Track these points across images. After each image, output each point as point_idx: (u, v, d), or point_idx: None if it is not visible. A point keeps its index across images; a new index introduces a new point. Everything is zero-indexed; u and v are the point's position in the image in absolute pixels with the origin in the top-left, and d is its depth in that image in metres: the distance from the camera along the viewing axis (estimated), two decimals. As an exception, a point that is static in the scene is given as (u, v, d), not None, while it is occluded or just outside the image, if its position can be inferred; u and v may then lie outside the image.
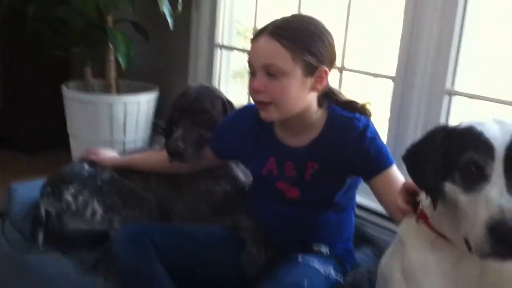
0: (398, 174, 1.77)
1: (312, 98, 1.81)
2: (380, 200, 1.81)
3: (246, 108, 2.05)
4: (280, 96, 1.74)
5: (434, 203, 1.27)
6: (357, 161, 1.80)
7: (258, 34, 1.77)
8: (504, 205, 1.09)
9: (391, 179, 1.75)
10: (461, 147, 1.20)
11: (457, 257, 1.29)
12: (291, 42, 1.71)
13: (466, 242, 1.18)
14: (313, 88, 1.77)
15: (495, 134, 1.17)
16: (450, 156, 1.22)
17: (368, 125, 1.82)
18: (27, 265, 1.99)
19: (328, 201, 1.90)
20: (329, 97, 1.90)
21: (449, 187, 1.22)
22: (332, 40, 1.79)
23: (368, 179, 1.81)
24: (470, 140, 1.19)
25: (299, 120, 1.84)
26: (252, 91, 1.79)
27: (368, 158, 1.78)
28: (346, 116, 1.85)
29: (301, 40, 1.72)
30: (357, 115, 1.85)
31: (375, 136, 1.82)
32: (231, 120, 2.09)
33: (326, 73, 1.77)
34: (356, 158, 1.79)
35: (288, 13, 1.83)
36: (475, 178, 1.16)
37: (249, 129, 1.99)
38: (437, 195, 1.26)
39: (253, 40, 1.79)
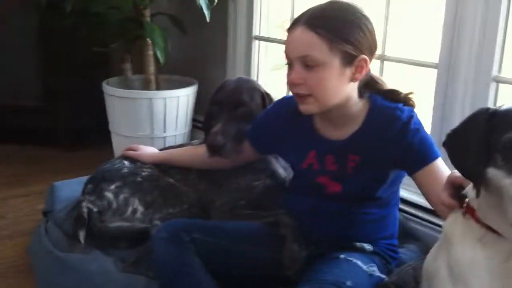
0: (444, 168, 1.70)
1: (352, 88, 1.75)
2: (426, 194, 1.75)
3: (284, 100, 2.01)
4: (318, 87, 1.70)
5: (477, 190, 1.23)
6: (400, 154, 1.74)
7: (294, 25, 1.73)
8: None
9: (436, 173, 1.69)
10: (502, 128, 1.17)
11: (507, 254, 1.24)
12: (327, 31, 1.66)
13: None
14: (352, 78, 1.72)
15: None
16: (492, 139, 1.19)
17: (412, 116, 1.76)
18: (69, 263, 2.01)
19: (371, 195, 1.85)
20: (370, 86, 1.84)
21: (492, 173, 1.19)
22: (372, 27, 1.73)
23: (412, 172, 1.76)
24: (510, 120, 1.17)
25: (339, 111, 1.79)
26: (290, 84, 1.75)
27: (411, 151, 1.73)
28: (388, 107, 1.79)
29: (338, 29, 1.67)
30: (400, 105, 1.80)
31: (420, 127, 1.76)
32: (269, 113, 2.06)
33: (366, 62, 1.71)
34: (399, 151, 1.74)
35: (324, 0, 1.78)
36: None
37: (288, 122, 1.95)
38: (480, 181, 1.22)
39: (289, 31, 1.74)
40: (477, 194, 1.23)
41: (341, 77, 1.70)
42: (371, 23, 1.73)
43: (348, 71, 1.70)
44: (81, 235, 2.09)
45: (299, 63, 1.70)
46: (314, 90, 1.71)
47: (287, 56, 1.74)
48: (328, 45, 1.66)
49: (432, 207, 1.74)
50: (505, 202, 1.16)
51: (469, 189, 1.32)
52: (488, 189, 1.23)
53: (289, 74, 1.74)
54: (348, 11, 1.70)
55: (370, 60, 1.74)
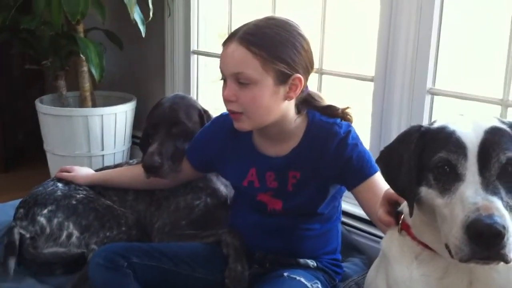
0: (383, 183, 1.70)
1: (287, 106, 1.74)
2: (365, 209, 1.75)
3: (221, 117, 1.98)
4: (250, 105, 1.68)
5: (410, 209, 1.23)
6: (339, 169, 1.74)
7: (228, 40, 1.70)
8: (480, 202, 1.06)
9: (375, 188, 1.69)
10: (434, 148, 1.17)
11: (444, 270, 1.25)
12: (261, 49, 1.64)
13: (447, 247, 1.13)
14: (287, 97, 1.70)
15: (467, 132, 1.14)
16: (424, 158, 1.19)
17: (349, 131, 1.77)
18: (0, 294, 1.91)
19: (312, 212, 1.84)
20: (308, 103, 1.83)
21: (425, 191, 1.18)
22: (308, 46, 1.72)
23: (351, 187, 1.76)
24: (442, 139, 1.17)
25: (276, 129, 1.77)
26: (224, 100, 1.72)
27: (350, 166, 1.73)
28: (326, 122, 1.79)
29: (271, 47, 1.65)
30: (338, 120, 1.80)
31: (357, 142, 1.76)
32: (207, 130, 2.02)
33: (301, 81, 1.69)
34: (338, 166, 1.74)
35: (262, 15, 1.76)
36: (449, 179, 1.13)
37: (226, 139, 1.92)
38: (413, 200, 1.22)
39: (223, 46, 1.72)
40: (410, 213, 1.23)
41: (274, 95, 1.68)
42: (307, 42, 1.71)
43: (282, 90, 1.68)
44: (10, 266, 1.99)
45: (232, 79, 1.68)
46: (246, 108, 1.68)
47: (222, 71, 1.72)
48: (261, 63, 1.64)
49: (372, 221, 1.74)
50: (438, 221, 1.16)
51: (405, 206, 1.32)
52: (421, 208, 1.23)
53: (223, 90, 1.72)
54: (283, 29, 1.68)
55: (306, 78, 1.73)
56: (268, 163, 1.83)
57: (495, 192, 1.08)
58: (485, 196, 1.07)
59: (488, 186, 1.09)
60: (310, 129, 1.79)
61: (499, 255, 1.05)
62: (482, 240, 1.03)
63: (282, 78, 1.66)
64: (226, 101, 1.71)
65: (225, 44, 1.70)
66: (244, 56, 1.64)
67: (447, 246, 1.13)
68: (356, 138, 1.77)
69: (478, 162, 1.11)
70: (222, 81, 1.74)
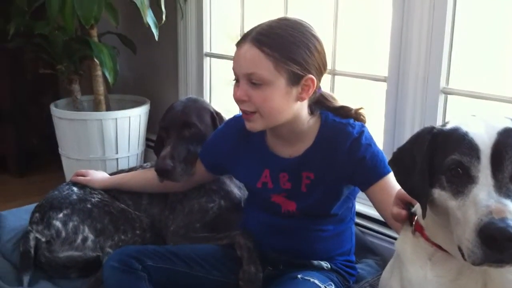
0: (393, 183, 1.69)
1: (300, 107, 1.74)
2: (379, 209, 1.74)
3: (234, 119, 1.98)
4: (263, 105, 1.68)
5: (423, 210, 1.22)
6: (352, 169, 1.74)
7: (241, 41, 1.71)
8: (492, 205, 1.05)
9: (388, 187, 1.68)
10: (447, 150, 1.16)
11: (457, 272, 1.23)
12: (273, 50, 1.64)
13: (460, 250, 1.12)
14: (299, 98, 1.70)
15: (480, 133, 1.13)
16: (436, 160, 1.18)
17: (362, 131, 1.76)
18: (17, 298, 1.92)
19: (326, 213, 1.84)
20: (321, 104, 1.83)
21: (438, 193, 1.17)
22: (321, 47, 1.71)
23: (365, 187, 1.75)
24: (455, 141, 1.15)
25: (289, 129, 1.77)
26: (236, 100, 1.73)
27: (363, 166, 1.72)
28: (339, 122, 1.79)
29: (284, 48, 1.64)
30: (351, 121, 1.79)
31: (371, 142, 1.76)
32: (220, 133, 2.03)
33: (313, 82, 1.69)
34: (351, 166, 1.73)
35: (275, 16, 1.76)
36: (462, 181, 1.12)
37: (239, 141, 1.92)
38: (426, 202, 1.21)
39: (237, 46, 1.72)
40: (423, 215, 1.22)
41: (286, 96, 1.68)
42: (320, 43, 1.71)
43: (294, 91, 1.68)
44: (26, 280, 2.00)
45: (245, 80, 1.68)
46: (259, 107, 1.69)
47: (234, 72, 1.72)
48: (274, 64, 1.64)
49: (386, 221, 1.74)
50: (451, 223, 1.15)
51: (418, 207, 1.31)
52: (434, 209, 1.22)
53: (235, 91, 1.72)
54: (297, 30, 1.68)
55: (319, 79, 1.73)
56: (282, 164, 1.83)
57: (508, 195, 1.07)
58: (498, 199, 1.06)
59: (501, 188, 1.08)
60: (323, 130, 1.79)
61: None
62: (495, 243, 1.02)
63: (295, 79, 1.66)
64: (238, 101, 1.71)
65: (239, 44, 1.71)
66: (257, 56, 1.64)
67: (460, 248, 1.12)
68: (370, 138, 1.76)
69: (491, 164, 1.10)
70: (234, 82, 1.74)
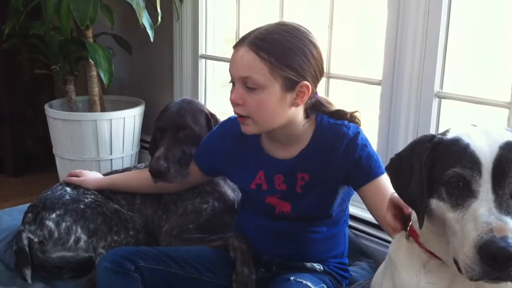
0: (389, 184, 1.69)
1: (295, 112, 1.74)
2: (371, 210, 1.75)
3: (229, 121, 1.99)
4: (256, 110, 1.68)
5: (420, 220, 1.20)
6: (348, 169, 1.74)
7: (239, 43, 1.71)
8: (493, 223, 1.04)
9: (382, 188, 1.68)
10: (447, 161, 1.14)
11: (451, 280, 1.23)
12: (269, 55, 1.64)
13: (456, 263, 1.11)
14: (293, 103, 1.70)
15: (482, 146, 1.11)
16: (436, 170, 1.16)
17: (358, 132, 1.77)
18: (9, 299, 1.92)
19: (321, 214, 1.84)
20: (317, 109, 1.83)
21: (436, 204, 1.16)
22: (318, 53, 1.71)
23: (358, 187, 1.76)
24: (456, 153, 1.13)
25: (284, 132, 1.78)
26: (231, 103, 1.73)
27: (359, 166, 1.73)
28: (334, 124, 1.79)
29: (281, 54, 1.65)
30: (346, 122, 1.80)
31: (366, 143, 1.76)
32: (215, 134, 2.03)
33: (308, 88, 1.69)
34: (348, 166, 1.74)
35: (270, 18, 1.76)
36: (462, 194, 1.11)
37: (234, 143, 1.93)
38: (423, 211, 1.19)
39: (234, 49, 1.72)
40: (420, 225, 1.20)
41: (281, 101, 1.68)
42: (317, 49, 1.71)
43: (289, 96, 1.68)
44: (27, 273, 1.99)
45: (240, 83, 1.68)
46: (252, 112, 1.69)
47: (231, 74, 1.72)
48: (269, 69, 1.64)
49: (377, 221, 1.75)
50: (447, 234, 1.14)
51: (414, 212, 1.30)
52: (430, 218, 1.20)
53: (231, 93, 1.72)
54: (294, 35, 1.68)
55: (315, 85, 1.73)
56: (277, 165, 1.83)
57: (509, 212, 1.06)
58: (499, 216, 1.05)
59: (502, 205, 1.06)
60: (318, 131, 1.79)
61: (510, 277, 1.03)
62: (495, 262, 1.01)
63: (290, 85, 1.66)
64: (233, 104, 1.71)
65: (236, 47, 1.71)
66: (253, 61, 1.65)
67: (455, 261, 1.11)
68: (365, 139, 1.77)
69: (492, 179, 1.08)
70: (230, 85, 1.75)
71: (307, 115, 1.79)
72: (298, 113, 1.75)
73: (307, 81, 1.68)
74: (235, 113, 1.76)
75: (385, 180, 1.70)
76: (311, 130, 1.80)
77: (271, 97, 1.66)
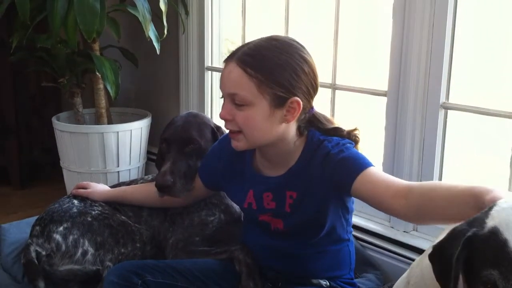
0: (378, 172, 1.62)
1: (285, 129, 1.70)
2: (369, 203, 1.62)
3: (227, 137, 1.92)
4: (245, 126, 1.66)
5: None
6: (330, 181, 1.67)
7: (228, 59, 1.68)
8: None
9: (372, 177, 1.59)
10: (484, 259, 1.05)
11: None
12: (257, 71, 1.61)
13: None
14: (284, 120, 1.67)
15: None
16: (473, 265, 1.07)
17: (338, 143, 1.70)
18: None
19: (316, 231, 1.79)
20: (313, 125, 1.78)
21: None
22: (310, 68, 1.67)
23: (349, 190, 1.63)
24: (493, 251, 1.04)
25: (275, 150, 1.75)
26: (221, 119, 1.71)
27: (339, 170, 1.64)
28: (319, 140, 1.73)
29: (269, 71, 1.61)
30: (336, 138, 1.73)
31: (342, 148, 1.68)
32: (215, 149, 2.03)
33: (299, 104, 1.65)
34: (328, 179, 1.67)
35: (277, 32, 1.74)
36: None
37: (231, 159, 1.91)
38: None
39: (224, 63, 1.70)
40: None
41: (270, 118, 1.65)
42: (310, 64, 1.67)
43: (279, 113, 1.65)
44: (42, 285, 1.99)
45: (229, 99, 1.67)
46: (242, 127, 1.67)
47: (221, 90, 1.71)
48: (257, 86, 1.61)
49: (380, 210, 1.64)
50: None
51: None
52: None
53: (221, 109, 1.71)
54: (284, 51, 1.64)
55: (308, 101, 1.69)
56: (265, 183, 1.80)
57: None
58: None
59: None
60: (307, 148, 1.74)
61: None
62: None
63: (279, 102, 1.63)
64: (223, 119, 1.70)
65: (225, 62, 1.69)
66: (240, 77, 1.62)
67: None
68: (342, 145, 1.69)
69: None
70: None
71: (300, 132, 1.75)
72: (290, 129, 1.71)
73: (298, 97, 1.64)
74: (226, 128, 1.75)
75: (372, 170, 1.61)
76: (301, 147, 1.76)
77: (259, 114, 1.63)
